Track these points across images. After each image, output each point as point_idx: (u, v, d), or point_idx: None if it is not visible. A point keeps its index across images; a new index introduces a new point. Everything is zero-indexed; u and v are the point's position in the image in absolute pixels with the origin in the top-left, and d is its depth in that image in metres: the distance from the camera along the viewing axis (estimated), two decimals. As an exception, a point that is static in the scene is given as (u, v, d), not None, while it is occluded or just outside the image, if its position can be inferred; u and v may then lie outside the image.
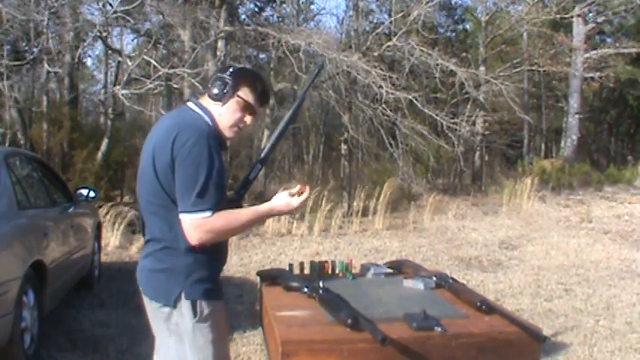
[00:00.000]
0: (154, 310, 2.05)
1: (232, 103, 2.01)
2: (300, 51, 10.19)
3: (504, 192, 11.50)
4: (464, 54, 16.00)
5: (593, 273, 6.50)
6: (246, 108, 2.03)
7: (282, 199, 2.04)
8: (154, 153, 1.95)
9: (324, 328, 2.09)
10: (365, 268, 2.99)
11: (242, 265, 6.82)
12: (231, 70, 2.05)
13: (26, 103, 11.98)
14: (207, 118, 2.00)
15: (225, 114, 2.02)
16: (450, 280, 2.64)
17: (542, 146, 21.64)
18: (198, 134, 1.90)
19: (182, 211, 1.88)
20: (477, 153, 15.64)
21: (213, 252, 1.98)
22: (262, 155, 2.18)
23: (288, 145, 16.33)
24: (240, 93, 2.01)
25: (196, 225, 1.87)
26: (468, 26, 20.45)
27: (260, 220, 2.07)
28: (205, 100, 2.05)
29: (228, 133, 2.05)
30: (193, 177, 1.87)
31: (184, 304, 1.94)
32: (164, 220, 1.95)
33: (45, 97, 12.45)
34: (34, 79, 13.36)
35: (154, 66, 9.73)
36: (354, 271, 2.99)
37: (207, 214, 1.87)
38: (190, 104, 2.06)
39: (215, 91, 2.01)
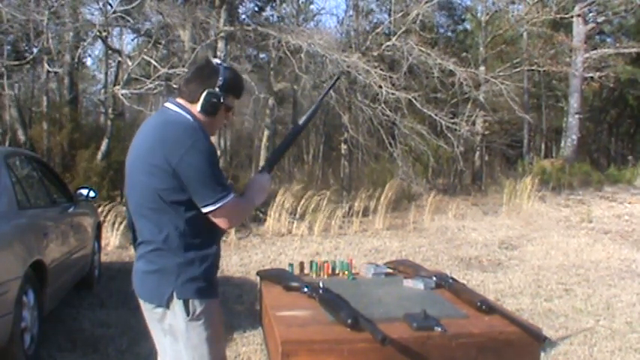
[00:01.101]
0: (148, 312, 2.07)
1: (220, 113, 2.07)
2: (301, 52, 10.19)
3: (504, 192, 11.49)
4: (464, 54, 15.98)
5: (593, 273, 6.50)
6: (229, 110, 2.11)
7: (266, 178, 2.22)
8: (145, 156, 1.96)
9: (324, 328, 2.09)
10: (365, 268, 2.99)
11: (242, 265, 6.82)
12: (220, 82, 2.02)
13: (26, 103, 12.00)
14: (188, 116, 2.01)
15: (213, 123, 2.08)
16: (450, 280, 2.64)
17: (542, 146, 21.63)
18: (189, 130, 1.95)
19: (211, 203, 1.93)
20: (477, 153, 15.63)
21: (204, 250, 1.99)
22: (268, 161, 2.33)
23: (288, 145, 16.31)
24: (227, 102, 2.06)
25: (228, 209, 1.95)
26: (468, 26, 20.45)
27: (255, 191, 2.15)
28: (183, 102, 2.05)
29: (213, 133, 2.14)
30: (207, 171, 1.92)
31: (177, 304, 1.95)
32: (154, 223, 1.97)
33: (45, 97, 12.47)
34: (34, 79, 13.39)
35: (154, 66, 9.73)
36: (354, 271, 2.99)
37: (232, 195, 1.97)
38: (169, 105, 2.07)
39: (208, 108, 2.02)
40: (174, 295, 1.95)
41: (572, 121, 15.96)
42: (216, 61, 2.10)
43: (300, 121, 2.37)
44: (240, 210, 2.06)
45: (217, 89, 2.02)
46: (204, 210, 1.94)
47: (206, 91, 2.01)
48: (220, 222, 1.97)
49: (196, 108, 2.02)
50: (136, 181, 2.00)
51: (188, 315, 1.95)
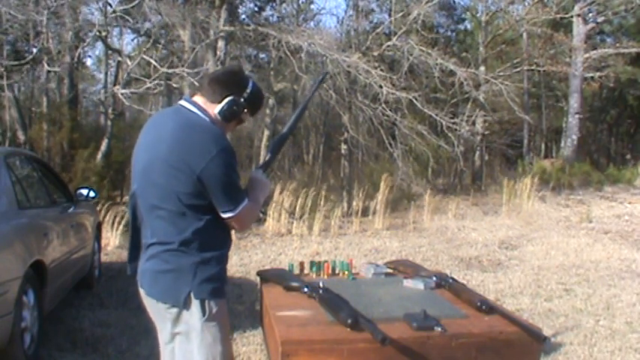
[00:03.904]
0: (160, 312, 2.03)
1: (233, 122, 2.07)
2: (301, 52, 10.18)
3: (504, 192, 11.49)
4: (464, 54, 16.00)
5: (593, 273, 6.50)
6: (240, 122, 2.12)
7: (262, 176, 2.17)
8: (165, 158, 1.91)
9: (324, 328, 2.09)
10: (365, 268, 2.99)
11: (242, 265, 6.82)
12: (247, 94, 2.03)
13: (26, 103, 12.00)
14: (207, 118, 1.99)
15: (224, 129, 2.06)
16: (450, 280, 2.64)
17: (542, 146, 21.66)
18: (215, 137, 1.93)
19: (231, 209, 1.95)
20: (477, 153, 15.63)
21: (219, 250, 1.99)
22: (264, 161, 2.30)
23: (288, 145, 16.36)
24: (243, 115, 2.07)
25: (245, 213, 1.99)
26: (468, 26, 20.47)
27: (258, 190, 2.13)
28: (202, 100, 2.03)
29: None
30: (229, 179, 1.93)
31: (194, 304, 1.94)
32: (172, 225, 1.94)
33: (45, 97, 12.49)
34: (34, 79, 13.40)
35: (154, 66, 9.73)
36: (354, 271, 2.99)
37: (246, 200, 2.00)
38: (186, 103, 2.02)
39: (227, 115, 2.02)
40: (192, 295, 1.94)
41: (572, 121, 15.96)
42: (248, 74, 2.12)
43: (289, 122, 2.37)
44: (253, 212, 2.08)
45: (242, 100, 2.02)
46: (224, 215, 1.96)
47: (231, 96, 2.01)
48: (236, 225, 2.02)
49: (214, 110, 2.01)
50: (151, 182, 1.96)
51: (204, 315, 1.94)
